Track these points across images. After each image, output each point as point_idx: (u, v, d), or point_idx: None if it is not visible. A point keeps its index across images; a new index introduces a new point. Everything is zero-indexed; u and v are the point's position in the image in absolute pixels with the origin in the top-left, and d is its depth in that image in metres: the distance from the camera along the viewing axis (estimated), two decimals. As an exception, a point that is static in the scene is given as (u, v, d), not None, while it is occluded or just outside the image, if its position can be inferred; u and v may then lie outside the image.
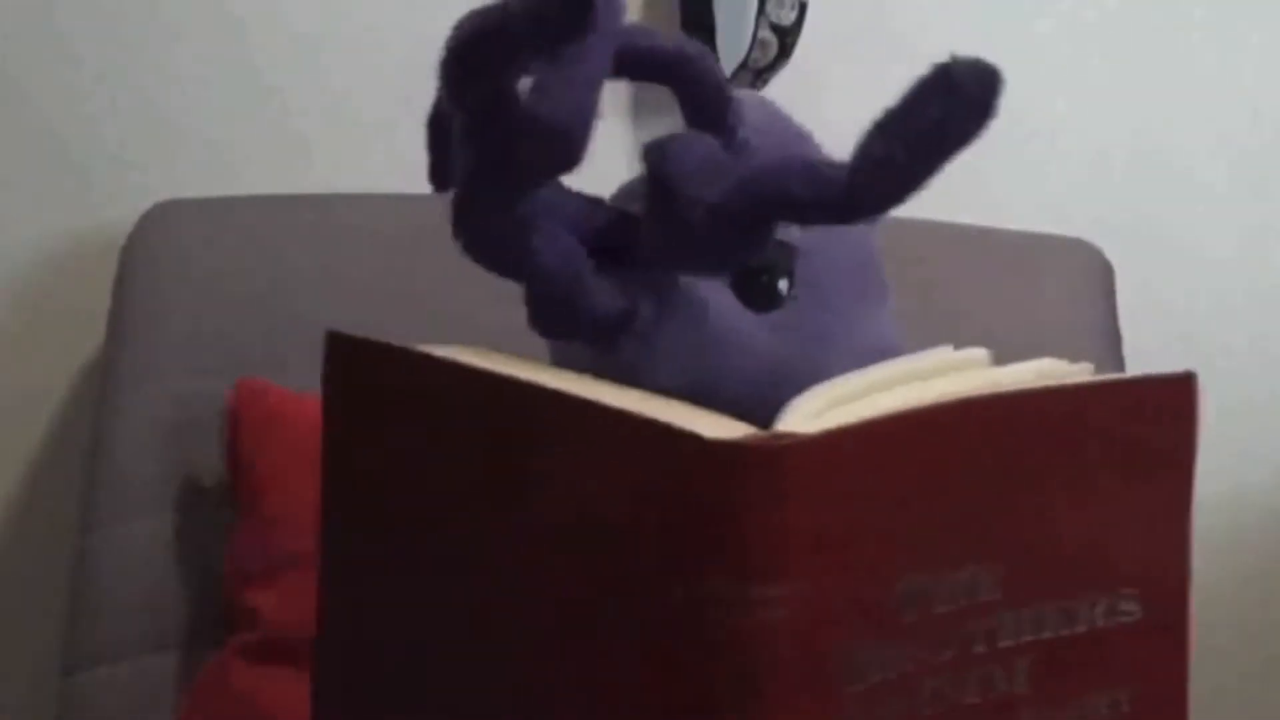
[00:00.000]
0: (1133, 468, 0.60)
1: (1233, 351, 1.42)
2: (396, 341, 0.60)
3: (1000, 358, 0.66)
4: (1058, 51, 1.35)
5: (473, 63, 0.58)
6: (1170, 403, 0.62)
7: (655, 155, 0.61)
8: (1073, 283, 1.24)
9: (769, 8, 1.26)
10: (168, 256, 1.16)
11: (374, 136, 1.24)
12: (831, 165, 0.61)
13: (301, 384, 0.97)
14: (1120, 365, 1.20)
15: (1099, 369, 0.64)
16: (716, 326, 0.66)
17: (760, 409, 0.57)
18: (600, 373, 0.64)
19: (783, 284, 0.69)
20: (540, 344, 0.68)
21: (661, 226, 0.63)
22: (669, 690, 0.52)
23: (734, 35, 1.26)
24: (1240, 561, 1.45)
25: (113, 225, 1.19)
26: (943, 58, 0.57)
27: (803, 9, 1.28)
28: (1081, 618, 0.59)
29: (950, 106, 0.56)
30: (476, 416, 0.58)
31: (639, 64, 0.64)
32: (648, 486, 0.52)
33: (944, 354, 0.65)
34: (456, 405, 0.58)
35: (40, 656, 1.18)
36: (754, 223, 0.62)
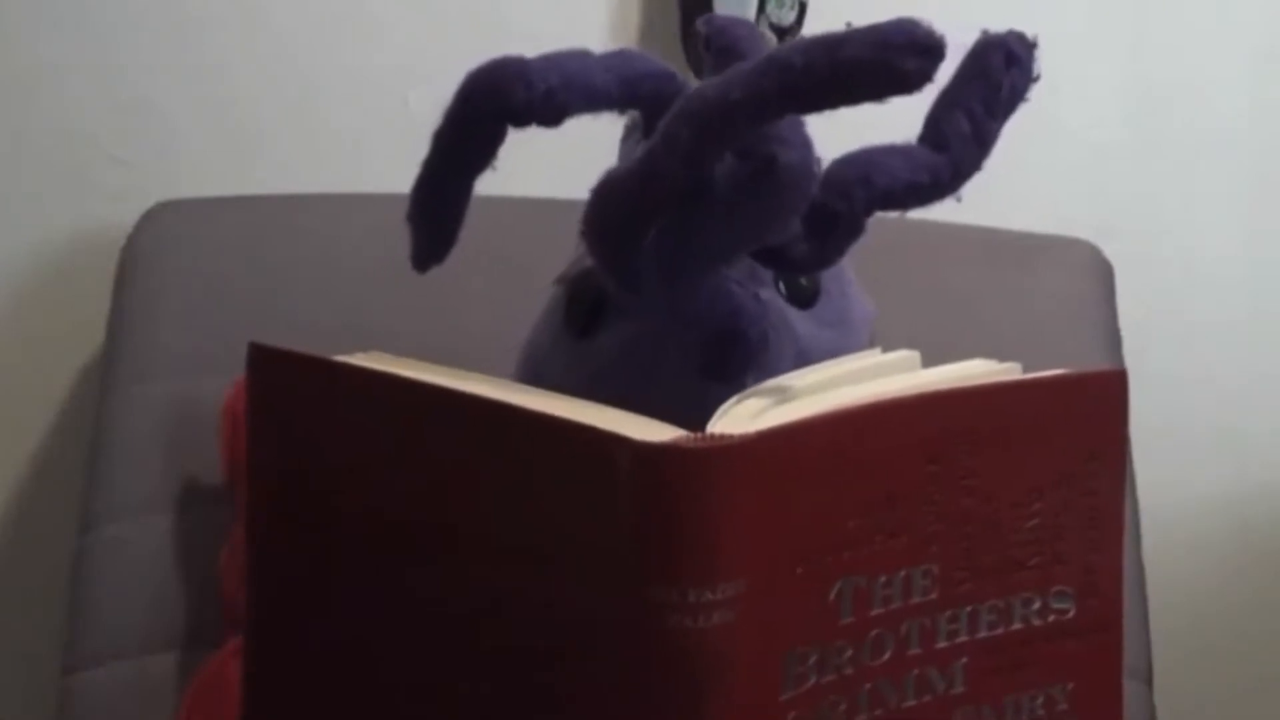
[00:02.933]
0: (1066, 464, 0.60)
1: (1233, 351, 1.42)
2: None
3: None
4: (1058, 52, 1.35)
5: (720, 128, 0.59)
6: (1102, 399, 0.61)
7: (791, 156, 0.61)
8: (1073, 283, 1.24)
9: (769, 8, 1.26)
10: (168, 256, 1.16)
11: (376, 136, 1.24)
12: (920, 149, 0.64)
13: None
14: (1120, 365, 1.20)
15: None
16: (798, 332, 0.67)
17: None
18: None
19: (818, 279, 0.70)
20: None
21: (808, 225, 0.64)
22: (616, 700, 0.52)
23: (734, 35, 1.26)
24: (1244, 564, 1.45)
25: (113, 225, 1.19)
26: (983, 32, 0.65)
27: (803, 9, 1.28)
28: (1016, 616, 0.59)
29: (1015, 76, 0.64)
30: (399, 426, 0.56)
31: None
32: (580, 492, 0.52)
33: (875, 356, 0.65)
34: (382, 415, 0.57)
35: (40, 656, 1.18)
36: (865, 215, 0.65)
